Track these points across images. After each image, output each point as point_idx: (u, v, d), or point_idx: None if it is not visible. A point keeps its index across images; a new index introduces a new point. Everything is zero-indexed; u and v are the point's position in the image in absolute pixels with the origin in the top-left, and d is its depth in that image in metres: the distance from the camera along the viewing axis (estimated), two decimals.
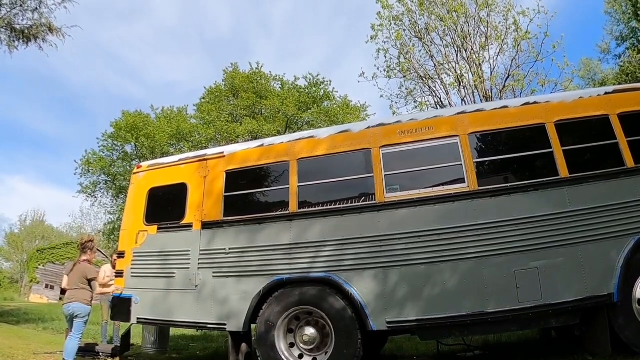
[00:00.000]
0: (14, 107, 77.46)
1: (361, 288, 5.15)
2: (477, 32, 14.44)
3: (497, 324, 4.93)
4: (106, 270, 9.03)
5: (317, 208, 5.67)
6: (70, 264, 6.57)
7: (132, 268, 6.20)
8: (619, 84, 17.37)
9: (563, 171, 4.99)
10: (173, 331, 9.41)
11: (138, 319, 6.05)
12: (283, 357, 5.31)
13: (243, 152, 6.26)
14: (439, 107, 14.41)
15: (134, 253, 6.26)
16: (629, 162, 4.91)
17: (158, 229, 6.24)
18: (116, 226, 27.17)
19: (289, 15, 67.29)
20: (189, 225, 6.06)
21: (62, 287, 6.39)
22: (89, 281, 6.24)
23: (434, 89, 14.99)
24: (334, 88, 29.16)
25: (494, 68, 14.31)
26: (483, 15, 14.29)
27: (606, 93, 5.34)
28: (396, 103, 15.51)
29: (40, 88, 79.19)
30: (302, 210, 5.64)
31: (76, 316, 6.03)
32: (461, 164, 5.25)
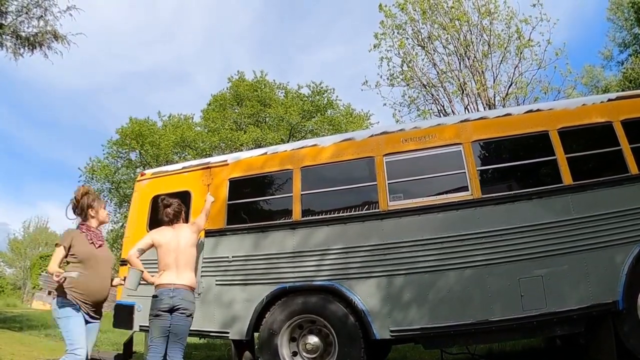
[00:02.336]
0: (62, 149, 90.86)
1: (364, 296, 5.14)
2: (480, 40, 14.48)
3: (502, 332, 4.91)
4: None
5: (320, 216, 5.67)
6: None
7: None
8: (622, 90, 17.33)
9: (567, 178, 4.98)
10: None
11: (141, 326, 6.04)
12: None
13: (247, 160, 6.28)
14: (442, 115, 14.42)
15: None
16: (633, 168, 4.89)
17: None
18: (119, 234, 27.19)
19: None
20: None
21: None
22: None
23: (437, 97, 15.01)
24: (337, 96, 29.14)
25: (497, 76, 14.34)
26: (485, 24, 14.33)
27: (609, 100, 5.33)
28: (399, 111, 15.54)
29: (87, 135, 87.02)
30: (305, 218, 5.65)
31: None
32: (464, 172, 5.25)
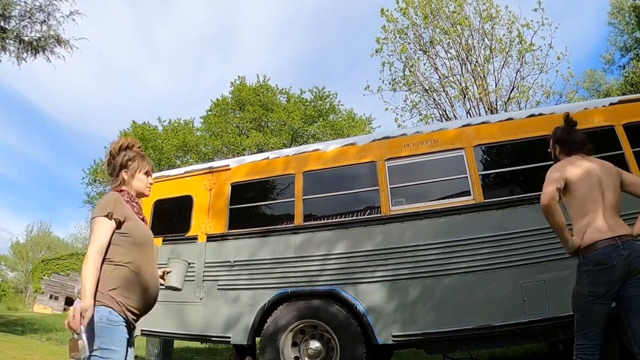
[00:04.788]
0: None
1: (366, 301, 5.12)
2: (482, 45, 14.51)
3: (504, 337, 4.88)
4: None
5: (322, 221, 5.67)
6: None
7: None
8: (624, 94, 17.32)
9: None
10: (177, 343, 9.38)
11: (142, 331, 6.03)
12: None
13: (249, 164, 6.28)
14: (443, 119, 14.42)
15: None
16: (635, 172, 4.87)
17: (163, 241, 6.25)
18: None
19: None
20: (194, 238, 6.06)
21: None
22: None
23: (439, 101, 15.02)
24: (339, 101, 29.24)
25: (499, 80, 14.35)
26: (487, 28, 14.37)
27: (611, 104, 5.32)
28: (401, 116, 15.53)
29: None
30: (307, 223, 5.64)
31: None
32: (467, 177, 5.24)
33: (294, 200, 5.77)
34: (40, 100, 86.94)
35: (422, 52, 15.17)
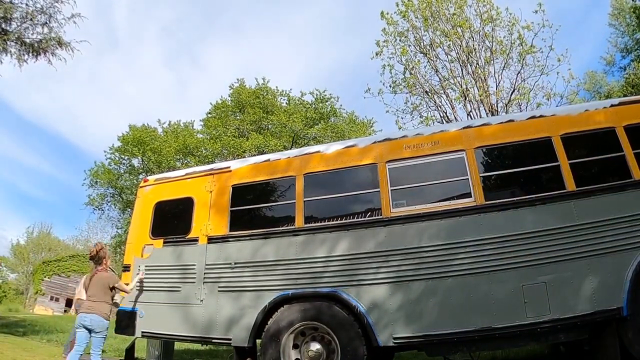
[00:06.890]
0: None
1: (367, 303, 5.12)
2: (482, 47, 14.47)
3: (505, 339, 4.88)
4: None
5: (323, 223, 5.67)
6: (87, 276, 6.18)
7: (137, 282, 6.20)
8: (625, 96, 17.30)
9: (570, 184, 4.96)
10: (177, 345, 9.37)
11: (143, 332, 6.03)
12: None
13: (249, 166, 6.29)
14: (444, 121, 14.39)
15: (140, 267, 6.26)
16: (636, 174, 4.87)
17: (164, 242, 6.25)
18: (122, 240, 27.21)
19: None
20: (195, 240, 6.06)
21: (77, 298, 5.74)
22: (112, 290, 5.81)
23: (440, 103, 14.97)
24: (341, 105, 29.14)
25: (499, 82, 14.30)
26: (488, 30, 14.34)
27: (612, 105, 5.33)
28: (402, 118, 15.47)
29: None
30: (308, 225, 5.64)
31: (94, 331, 5.53)
32: (467, 179, 5.24)
33: (294, 202, 5.77)
34: (80, 141, 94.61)
35: (422, 54, 15.14)
